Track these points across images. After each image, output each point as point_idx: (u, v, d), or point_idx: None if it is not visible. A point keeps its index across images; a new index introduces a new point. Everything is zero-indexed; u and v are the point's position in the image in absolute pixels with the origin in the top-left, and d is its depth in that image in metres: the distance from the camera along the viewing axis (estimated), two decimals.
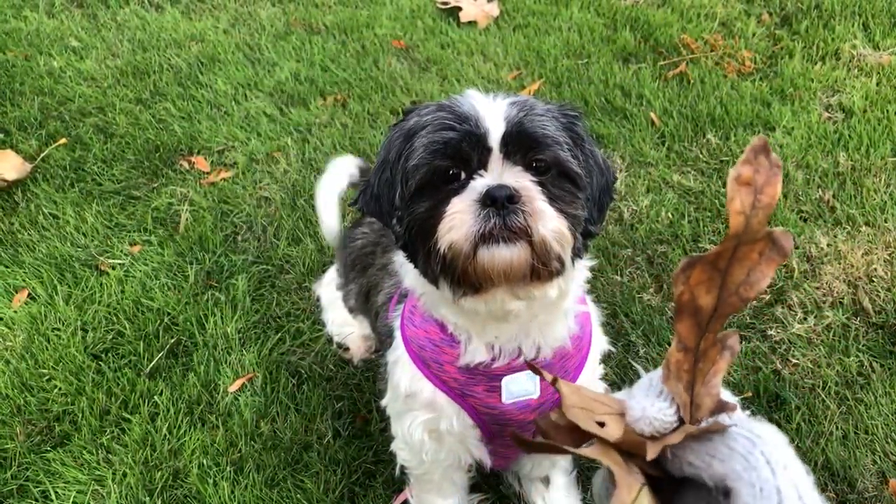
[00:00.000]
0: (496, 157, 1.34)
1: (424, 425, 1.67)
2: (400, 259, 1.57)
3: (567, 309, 1.54)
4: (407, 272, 1.57)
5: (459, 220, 1.28)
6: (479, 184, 1.31)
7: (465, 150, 1.34)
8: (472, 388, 1.57)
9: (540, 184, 1.33)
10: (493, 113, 1.35)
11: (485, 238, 1.27)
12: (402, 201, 1.42)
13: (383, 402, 1.87)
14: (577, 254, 1.41)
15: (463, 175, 1.36)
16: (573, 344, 1.59)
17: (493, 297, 1.37)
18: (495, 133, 1.33)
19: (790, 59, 3.98)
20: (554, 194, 1.35)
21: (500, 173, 1.33)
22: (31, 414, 2.48)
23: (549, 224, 1.29)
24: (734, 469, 0.61)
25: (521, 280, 1.34)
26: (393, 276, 1.84)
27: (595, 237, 1.68)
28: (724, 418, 0.67)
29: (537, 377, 1.57)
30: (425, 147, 1.36)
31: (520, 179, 1.31)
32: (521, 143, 1.35)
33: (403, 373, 1.65)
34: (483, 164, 1.35)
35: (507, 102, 1.38)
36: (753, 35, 4.23)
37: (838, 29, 4.18)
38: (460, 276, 1.33)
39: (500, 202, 1.26)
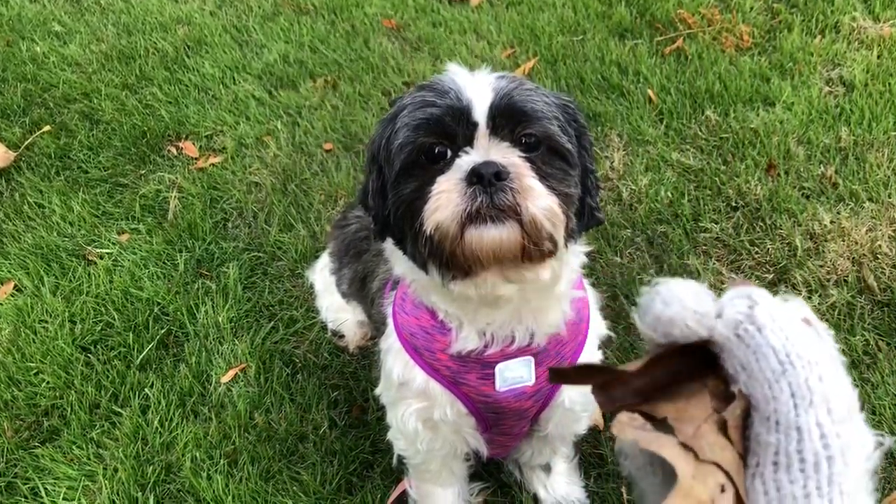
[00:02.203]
0: (483, 132, 1.28)
1: (418, 414, 1.63)
2: (389, 246, 1.52)
3: (561, 294, 1.48)
4: (397, 259, 1.52)
5: (445, 199, 1.22)
6: (465, 161, 1.25)
7: (449, 124, 1.28)
8: (464, 375, 1.52)
9: (529, 160, 1.26)
10: (477, 86, 1.29)
11: (472, 217, 1.21)
12: (385, 187, 1.37)
13: (377, 391, 1.82)
14: (570, 235, 1.34)
15: (449, 153, 1.29)
16: (569, 330, 1.54)
17: (484, 280, 1.31)
18: (480, 107, 1.27)
19: (789, 33, 3.89)
20: (544, 171, 1.28)
21: (486, 150, 1.27)
22: (18, 409, 2.43)
23: (540, 202, 1.22)
24: (754, 395, 0.55)
25: (511, 262, 1.28)
26: (388, 262, 1.78)
27: (601, 224, 1.62)
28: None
29: (532, 363, 1.53)
30: (407, 125, 1.30)
31: (508, 155, 1.25)
32: (510, 117, 1.28)
33: (396, 361, 1.60)
34: (469, 141, 1.28)
35: (493, 77, 1.33)
36: (751, 9, 4.14)
37: (837, 1, 4.09)
38: (448, 258, 1.26)
39: (486, 179, 1.20)
